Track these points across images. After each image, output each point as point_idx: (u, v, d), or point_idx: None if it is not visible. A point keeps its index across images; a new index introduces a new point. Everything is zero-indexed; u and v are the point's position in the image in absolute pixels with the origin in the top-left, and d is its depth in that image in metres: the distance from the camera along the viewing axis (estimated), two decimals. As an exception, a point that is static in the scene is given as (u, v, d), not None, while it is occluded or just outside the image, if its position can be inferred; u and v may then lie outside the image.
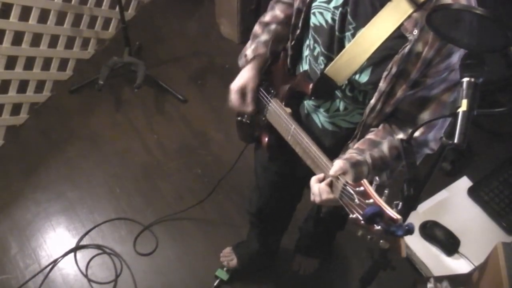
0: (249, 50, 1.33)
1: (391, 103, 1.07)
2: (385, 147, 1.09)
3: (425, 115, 1.07)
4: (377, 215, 0.83)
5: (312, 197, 1.05)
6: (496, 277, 1.41)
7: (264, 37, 1.31)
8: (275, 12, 1.31)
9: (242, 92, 1.31)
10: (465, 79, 1.02)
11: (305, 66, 1.24)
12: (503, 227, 2.10)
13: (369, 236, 0.87)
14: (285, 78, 1.30)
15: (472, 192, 2.22)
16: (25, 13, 2.40)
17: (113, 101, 2.72)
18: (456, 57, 0.97)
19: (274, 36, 1.31)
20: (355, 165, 1.04)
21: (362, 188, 0.89)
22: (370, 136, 1.12)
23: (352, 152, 1.09)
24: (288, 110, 1.27)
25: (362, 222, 0.86)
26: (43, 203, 2.32)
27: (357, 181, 0.92)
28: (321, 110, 1.24)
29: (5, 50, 2.38)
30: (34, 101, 2.67)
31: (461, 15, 0.85)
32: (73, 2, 2.63)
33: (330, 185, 1.02)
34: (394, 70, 1.00)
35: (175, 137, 2.57)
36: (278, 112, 1.29)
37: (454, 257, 2.04)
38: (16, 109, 2.57)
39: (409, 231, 0.82)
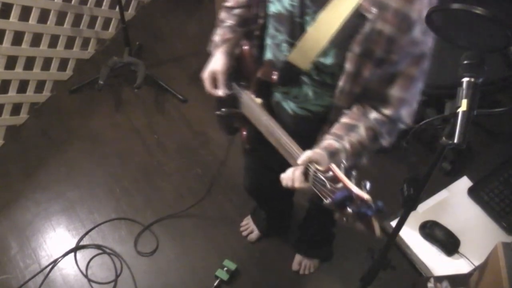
0: (217, 36, 1.35)
1: (359, 83, 1.07)
2: (362, 130, 1.10)
3: (394, 91, 1.07)
4: (347, 198, 0.84)
5: (284, 182, 1.05)
6: (496, 277, 1.41)
7: (230, 21, 1.33)
8: None
9: (213, 76, 1.33)
10: (465, 79, 1.02)
11: (269, 55, 1.25)
12: (503, 227, 2.10)
13: (344, 219, 0.88)
14: (253, 69, 1.31)
15: (472, 192, 2.21)
16: (25, 13, 2.41)
17: (113, 101, 2.72)
18: (417, 31, 0.98)
19: (239, 19, 1.32)
20: (333, 154, 1.05)
21: (331, 173, 0.90)
22: (345, 119, 1.12)
23: (330, 139, 1.09)
24: (259, 100, 1.29)
25: (334, 207, 0.88)
26: (43, 203, 2.32)
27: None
28: (291, 96, 1.25)
29: (5, 50, 2.38)
30: (34, 101, 2.67)
31: (461, 15, 0.85)
32: (73, 2, 2.64)
33: (305, 174, 1.01)
34: (357, 50, 1.01)
35: (175, 137, 2.57)
36: (250, 103, 1.30)
37: (454, 257, 2.04)
38: (16, 109, 2.57)
39: (379, 210, 0.83)
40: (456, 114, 0.98)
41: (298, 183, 1.02)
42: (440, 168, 2.33)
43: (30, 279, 2.09)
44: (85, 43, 2.85)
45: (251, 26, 1.32)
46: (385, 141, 1.14)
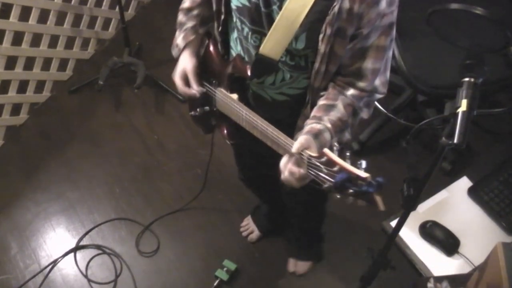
0: (179, 39, 1.34)
1: (334, 62, 1.09)
2: (340, 107, 1.12)
3: (368, 64, 1.09)
4: (346, 180, 0.85)
5: (285, 181, 1.05)
6: (496, 277, 1.41)
7: (190, 23, 1.32)
8: None
9: (184, 77, 1.33)
10: (465, 79, 1.02)
11: (237, 49, 1.25)
12: (503, 227, 2.10)
13: (347, 200, 0.89)
14: (221, 66, 1.31)
15: (472, 192, 2.21)
16: (25, 13, 2.41)
17: (113, 101, 2.72)
18: (383, 3, 1.00)
19: (199, 20, 1.33)
20: (317, 135, 1.06)
21: (325, 158, 0.91)
22: (322, 101, 1.14)
23: (311, 123, 1.10)
24: (235, 96, 1.28)
25: (335, 191, 0.89)
26: (43, 203, 2.32)
27: (322, 149, 0.94)
28: (266, 84, 1.26)
29: (5, 50, 2.38)
30: (34, 101, 2.67)
31: (461, 15, 0.85)
32: (73, 2, 2.64)
33: (298, 163, 1.02)
34: (329, 31, 1.03)
35: (175, 137, 2.57)
36: (226, 100, 1.30)
37: (454, 257, 2.04)
38: (16, 109, 2.57)
39: (380, 185, 0.84)
40: (456, 114, 0.98)
41: (297, 175, 1.01)
42: (440, 168, 2.33)
43: (30, 279, 2.09)
44: (85, 43, 2.85)
45: (212, 23, 1.32)
46: (364, 114, 1.17)
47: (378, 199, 0.86)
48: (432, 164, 1.09)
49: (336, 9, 0.99)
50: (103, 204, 2.33)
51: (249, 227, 2.20)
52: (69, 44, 2.74)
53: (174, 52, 1.37)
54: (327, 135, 1.08)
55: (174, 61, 1.37)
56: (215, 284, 2.05)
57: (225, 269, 2.06)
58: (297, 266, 2.10)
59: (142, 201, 2.33)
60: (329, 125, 1.09)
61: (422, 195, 1.17)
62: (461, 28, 1.86)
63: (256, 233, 2.18)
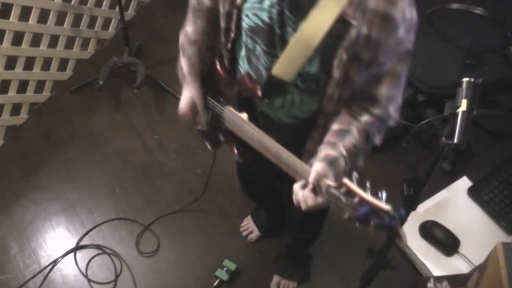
0: (183, 65, 1.32)
1: (348, 88, 1.07)
2: (354, 132, 1.10)
3: (382, 90, 1.07)
4: (369, 214, 0.84)
5: (297, 204, 1.04)
6: (496, 277, 1.41)
7: (194, 49, 1.30)
8: (198, 23, 1.29)
9: (192, 107, 1.32)
10: (465, 79, 1.02)
11: (245, 67, 1.22)
12: (503, 227, 2.10)
13: (367, 230, 0.88)
14: (228, 83, 1.28)
15: (472, 192, 2.22)
16: (25, 13, 2.40)
17: (113, 101, 2.72)
18: (401, 30, 0.98)
19: (203, 46, 1.30)
20: (333, 163, 1.05)
21: (345, 188, 0.89)
22: (336, 126, 1.12)
23: (325, 149, 1.08)
24: (244, 115, 1.24)
25: (357, 222, 0.88)
26: (43, 203, 2.32)
27: (338, 177, 0.93)
28: (276, 106, 1.23)
29: (5, 50, 2.38)
30: (34, 101, 2.67)
31: (460, 15, 0.85)
32: (73, 2, 2.63)
33: (314, 190, 1.01)
34: (344, 56, 1.01)
35: (175, 137, 2.57)
36: (235, 119, 1.27)
37: (454, 257, 2.04)
38: (16, 109, 2.57)
39: (402, 218, 0.84)
40: (456, 114, 0.98)
41: (311, 201, 1.01)
42: (440, 168, 2.33)
43: (30, 279, 2.09)
44: (85, 43, 2.85)
45: (215, 48, 1.30)
46: (377, 139, 1.15)
47: (401, 231, 0.85)
48: (432, 164, 1.08)
49: (353, 34, 0.97)
50: (103, 204, 2.33)
51: (249, 227, 2.20)
52: (69, 44, 2.74)
53: (180, 75, 1.35)
54: (342, 162, 1.06)
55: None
56: (215, 284, 2.05)
57: (225, 269, 2.06)
58: (280, 285, 2.06)
59: (142, 201, 2.33)
60: (344, 152, 1.07)
61: (422, 195, 1.17)
62: (461, 28, 1.86)
63: (256, 233, 2.18)
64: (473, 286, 1.61)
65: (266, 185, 1.86)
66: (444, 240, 2.05)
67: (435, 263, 2.03)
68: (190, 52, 1.31)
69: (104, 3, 2.83)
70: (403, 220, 0.83)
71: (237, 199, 2.31)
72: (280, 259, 2.09)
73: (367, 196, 0.86)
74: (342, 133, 1.10)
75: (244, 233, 2.20)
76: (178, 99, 1.41)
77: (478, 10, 0.87)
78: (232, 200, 2.32)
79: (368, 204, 0.85)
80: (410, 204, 1.18)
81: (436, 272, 2.00)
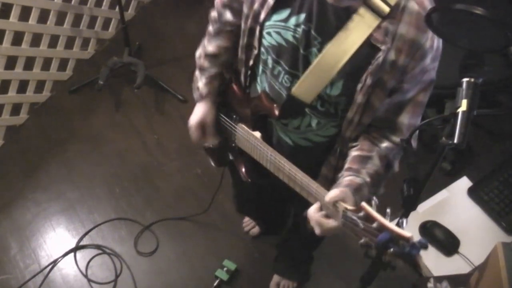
0: (200, 84, 1.29)
1: (369, 114, 1.06)
2: (376, 160, 1.08)
3: (404, 118, 1.06)
4: (389, 241, 0.81)
5: (311, 229, 1.01)
6: (496, 277, 1.41)
7: (214, 69, 1.28)
8: (219, 42, 1.26)
9: (202, 127, 1.30)
10: (465, 79, 1.02)
11: (263, 85, 1.20)
12: (503, 227, 2.10)
13: (383, 258, 0.85)
14: (244, 101, 1.25)
15: (472, 192, 2.21)
16: (25, 13, 2.40)
17: (113, 101, 2.72)
18: (428, 59, 0.97)
19: (224, 67, 1.28)
20: (357, 190, 1.02)
21: (363, 213, 0.86)
22: (356, 153, 1.09)
23: (349, 175, 1.05)
24: (258, 134, 1.21)
25: (374, 249, 0.85)
26: (43, 203, 2.32)
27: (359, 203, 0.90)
28: (291, 128, 1.20)
29: (5, 50, 2.38)
30: (34, 101, 2.67)
31: (460, 15, 0.84)
32: (73, 2, 2.64)
33: (329, 215, 0.97)
34: (369, 81, 0.99)
35: (175, 137, 2.56)
36: (247, 138, 1.24)
37: (454, 257, 2.04)
38: (16, 109, 2.57)
39: (424, 246, 0.80)
40: (456, 114, 0.98)
41: (326, 225, 0.97)
42: (440, 168, 2.33)
43: (30, 279, 2.09)
44: (85, 43, 2.85)
45: (232, 68, 1.27)
46: (396, 166, 1.13)
47: (421, 261, 0.82)
48: (432, 164, 1.08)
49: (380, 59, 0.95)
50: (103, 204, 2.33)
51: (251, 222, 2.21)
52: (69, 44, 2.74)
53: (195, 95, 1.32)
54: (365, 190, 1.04)
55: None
56: (215, 284, 2.05)
57: (225, 269, 2.06)
58: (280, 285, 2.05)
59: (142, 201, 2.33)
60: (368, 179, 1.05)
61: (422, 195, 1.17)
62: (461, 28, 1.87)
63: (257, 228, 2.19)
64: (473, 286, 1.61)
65: (264, 208, 1.82)
66: (444, 240, 2.05)
67: (435, 263, 2.02)
68: (212, 71, 1.28)
69: (104, 3, 2.83)
70: (425, 248, 0.80)
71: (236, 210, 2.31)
72: (280, 259, 2.08)
73: (386, 221, 0.82)
74: (364, 159, 1.07)
75: (246, 228, 2.21)
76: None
77: (478, 10, 0.86)
78: (232, 200, 2.31)
79: (388, 230, 0.81)
80: (410, 204, 1.18)
81: (436, 272, 1.99)
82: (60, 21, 2.61)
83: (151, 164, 2.47)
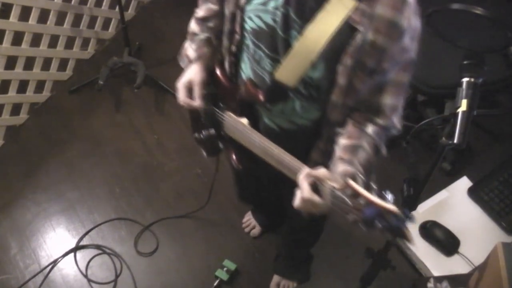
0: (190, 50, 1.30)
1: (352, 95, 1.07)
2: (366, 147, 1.08)
3: (386, 99, 1.07)
4: (375, 215, 0.83)
5: (298, 208, 1.00)
6: (496, 277, 1.41)
7: (204, 35, 1.28)
8: (209, 5, 1.27)
9: (189, 87, 1.29)
10: (465, 79, 1.02)
11: (246, 72, 1.21)
12: (503, 227, 2.10)
13: (373, 232, 0.87)
14: (230, 88, 1.26)
15: (472, 192, 2.22)
16: (25, 13, 2.40)
17: (113, 101, 2.72)
18: (406, 38, 0.98)
19: (214, 31, 1.28)
20: (353, 180, 1.01)
21: (350, 190, 0.88)
22: (346, 141, 1.10)
23: (342, 165, 1.06)
24: (245, 121, 1.23)
25: (363, 225, 0.86)
26: (43, 203, 2.32)
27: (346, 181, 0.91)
28: (276, 112, 1.21)
29: (5, 50, 2.38)
30: (34, 101, 2.67)
31: (461, 15, 0.85)
32: (73, 2, 2.64)
33: (317, 191, 0.98)
34: (349, 62, 1.00)
35: (175, 137, 2.57)
36: (235, 125, 1.25)
37: (454, 257, 2.04)
38: (16, 109, 2.57)
39: (409, 218, 0.82)
40: (456, 114, 0.98)
41: (312, 203, 0.97)
42: (440, 168, 2.33)
43: (30, 279, 2.09)
44: (85, 43, 2.85)
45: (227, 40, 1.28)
46: (383, 150, 1.13)
47: (409, 233, 0.83)
48: (432, 164, 1.08)
49: (359, 40, 0.97)
50: (103, 204, 2.33)
51: (251, 222, 2.21)
52: (69, 44, 2.74)
53: (183, 63, 1.32)
54: (359, 180, 1.04)
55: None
56: (215, 284, 2.05)
57: (225, 269, 2.06)
58: (281, 285, 2.05)
59: (142, 201, 2.33)
60: (361, 169, 1.05)
61: (422, 195, 1.17)
62: (461, 28, 1.87)
63: (258, 228, 2.19)
64: (473, 286, 1.61)
65: (264, 193, 1.84)
66: (444, 240, 2.05)
67: (435, 263, 2.03)
68: (202, 36, 1.28)
69: (104, 3, 2.83)
70: (411, 220, 0.82)
71: (237, 199, 2.31)
72: (280, 259, 2.09)
73: (373, 197, 0.84)
74: (355, 148, 1.08)
75: (246, 229, 2.21)
76: (178, 99, 1.41)
77: (478, 10, 0.87)
78: (232, 200, 2.31)
79: (374, 205, 0.83)
80: (410, 204, 1.18)
81: (436, 272, 1.99)
82: (60, 21, 2.61)
83: (151, 164, 2.47)
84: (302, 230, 1.84)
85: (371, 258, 1.45)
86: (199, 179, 2.40)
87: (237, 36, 1.17)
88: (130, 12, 3.05)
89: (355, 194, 0.87)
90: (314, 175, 0.97)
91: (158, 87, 2.71)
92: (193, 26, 1.31)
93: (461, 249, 2.04)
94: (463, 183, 2.27)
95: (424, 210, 2.16)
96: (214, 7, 1.27)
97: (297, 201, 0.99)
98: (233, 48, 1.20)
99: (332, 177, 0.96)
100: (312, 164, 1.12)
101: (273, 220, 2.16)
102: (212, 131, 1.36)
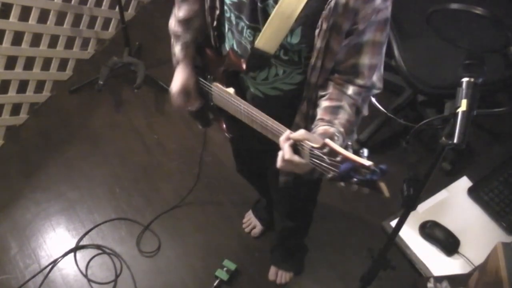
0: (176, 49, 1.33)
1: (330, 58, 1.10)
2: (346, 108, 1.12)
3: (365, 60, 1.10)
4: (351, 170, 0.86)
5: (280, 165, 1.03)
6: (496, 277, 1.41)
7: (188, 36, 1.32)
8: (187, 5, 1.30)
9: (185, 92, 1.33)
10: (465, 79, 1.02)
11: (230, 42, 1.25)
12: (503, 227, 2.10)
13: (351, 188, 0.89)
14: (216, 60, 1.30)
15: (472, 192, 2.22)
16: (25, 13, 2.40)
17: (113, 101, 2.72)
18: None
19: (197, 31, 1.32)
20: (332, 139, 1.04)
21: (327, 148, 0.91)
22: (326, 103, 1.13)
23: (322, 125, 1.10)
24: (231, 90, 1.28)
25: (340, 180, 0.89)
26: (43, 203, 2.32)
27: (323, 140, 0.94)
28: (260, 80, 1.25)
29: (5, 50, 2.38)
30: (34, 101, 2.67)
31: (461, 15, 0.85)
32: (73, 2, 2.63)
33: (300, 152, 1.02)
34: (325, 25, 1.03)
35: (175, 137, 2.57)
36: (222, 95, 1.30)
37: (454, 257, 2.04)
38: (16, 109, 2.57)
39: (383, 172, 0.84)
40: (456, 114, 0.98)
41: (293, 159, 1.00)
42: (440, 168, 2.33)
43: (30, 279, 2.09)
44: (85, 43, 2.85)
45: (206, 31, 1.31)
46: (365, 110, 1.17)
47: (383, 186, 0.86)
48: (432, 164, 1.08)
49: (332, 3, 1.00)
50: (103, 204, 2.33)
51: (251, 222, 2.21)
52: (69, 44, 2.74)
53: (173, 60, 1.36)
54: (340, 139, 1.07)
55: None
56: (215, 284, 2.05)
57: (225, 269, 2.06)
58: (278, 275, 2.09)
59: (142, 201, 2.33)
60: (341, 129, 1.08)
61: (422, 195, 1.17)
62: (461, 28, 1.86)
63: (258, 227, 2.19)
64: (473, 286, 1.61)
65: (261, 168, 1.86)
66: (444, 240, 2.05)
67: (435, 263, 2.03)
68: (187, 37, 1.32)
69: (104, 3, 2.83)
70: (385, 175, 0.84)
71: (237, 199, 2.31)
72: (276, 250, 2.11)
73: (349, 154, 0.87)
74: (335, 109, 1.12)
75: (247, 229, 2.21)
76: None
77: (478, 10, 0.87)
78: (232, 200, 2.32)
79: (350, 160, 0.86)
80: (410, 204, 1.18)
81: (436, 272, 2.00)
82: (60, 21, 2.61)
83: (151, 164, 2.47)
84: (290, 216, 1.85)
85: (371, 258, 1.45)
86: (199, 179, 2.40)
87: (217, 11, 1.21)
88: (130, 12, 3.05)
89: (333, 152, 0.90)
90: (292, 137, 1.00)
91: (158, 87, 2.71)
92: (175, 27, 1.33)
93: (461, 249, 2.04)
94: (463, 183, 2.27)
95: (424, 210, 2.16)
96: (193, 6, 1.29)
97: (279, 162, 1.03)
98: (214, 23, 1.25)
99: (311, 137, 0.99)
100: (295, 128, 1.16)
101: (272, 213, 2.16)
102: (202, 103, 1.41)
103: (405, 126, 2.45)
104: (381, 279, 1.52)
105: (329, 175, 0.92)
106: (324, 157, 0.92)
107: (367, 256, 1.46)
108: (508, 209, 2.13)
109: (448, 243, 2.05)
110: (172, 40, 1.36)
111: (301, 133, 1.00)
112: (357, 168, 0.86)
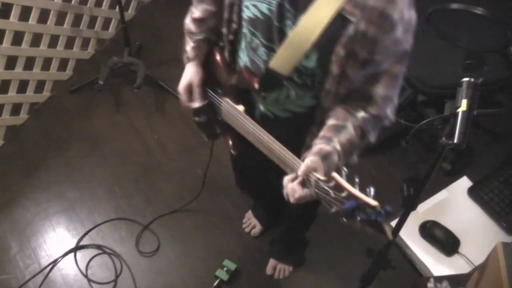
0: (188, 47, 1.34)
1: (345, 84, 1.08)
2: (350, 128, 1.10)
3: (379, 89, 1.08)
4: (355, 208, 0.85)
5: (286, 196, 1.06)
6: (496, 277, 1.41)
7: (202, 35, 1.31)
8: (204, 5, 1.30)
9: (189, 89, 1.34)
10: (465, 79, 1.02)
11: (244, 59, 1.24)
12: (503, 227, 2.10)
13: (354, 225, 0.89)
14: (228, 75, 1.29)
15: (472, 192, 2.22)
16: (25, 13, 2.40)
17: (113, 101, 2.72)
18: (399, 30, 0.98)
19: (211, 32, 1.31)
20: (326, 157, 1.05)
21: (334, 182, 0.91)
22: (332, 122, 1.12)
23: (320, 143, 1.09)
24: (241, 107, 1.26)
25: (343, 217, 0.89)
26: (43, 203, 2.32)
27: (329, 171, 0.94)
28: (271, 100, 1.24)
29: (5, 50, 2.38)
30: (34, 101, 2.67)
31: (461, 15, 0.85)
32: (73, 2, 2.64)
33: (303, 183, 1.02)
34: (342, 52, 1.02)
35: (175, 137, 2.57)
36: (231, 111, 1.29)
37: (454, 257, 2.04)
38: (16, 109, 2.57)
39: (388, 214, 0.84)
40: (456, 114, 0.98)
41: (298, 193, 1.02)
42: (440, 168, 2.33)
43: (30, 279, 2.09)
44: (85, 43, 2.85)
45: (220, 34, 1.30)
46: (372, 137, 1.15)
47: (387, 228, 0.85)
48: (432, 164, 1.08)
49: (351, 31, 0.98)
50: (103, 204, 2.33)
51: (251, 222, 2.21)
52: (69, 44, 2.74)
53: (184, 58, 1.37)
54: (335, 158, 1.06)
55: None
56: (215, 284, 2.05)
57: (225, 269, 2.06)
58: (277, 268, 2.09)
59: (142, 201, 2.33)
60: (338, 147, 1.07)
61: (422, 195, 1.17)
62: (461, 28, 1.86)
63: (258, 227, 2.19)
64: (473, 286, 1.61)
65: (261, 179, 1.86)
66: (444, 240, 2.05)
67: (435, 263, 2.03)
68: (200, 36, 1.32)
69: (104, 3, 2.83)
70: (390, 217, 0.84)
71: (237, 198, 2.31)
72: (275, 243, 2.11)
73: (355, 191, 0.86)
74: (338, 128, 1.11)
75: (247, 229, 2.21)
76: (178, 99, 1.43)
77: (478, 10, 0.87)
78: (232, 200, 2.32)
79: (355, 198, 0.85)
80: (410, 204, 1.18)
81: (436, 272, 2.00)
82: (60, 21, 2.61)
83: (151, 164, 2.47)
84: (297, 217, 1.87)
85: (371, 258, 1.45)
86: (199, 179, 2.39)
87: (234, 25, 1.20)
88: (130, 12, 3.05)
89: (339, 187, 0.90)
90: (300, 175, 1.01)
91: (158, 87, 2.71)
92: (190, 25, 1.33)
93: (461, 249, 2.04)
94: (463, 183, 2.27)
95: (424, 210, 2.16)
96: (210, 8, 1.29)
97: (291, 199, 1.04)
98: (230, 36, 1.23)
99: (315, 166, 1.00)
100: (306, 149, 1.15)
101: (271, 215, 2.16)
102: (210, 116, 1.40)
103: (405, 126, 2.45)
104: (381, 279, 1.52)
105: (333, 210, 0.91)
106: (330, 191, 0.91)
107: (367, 256, 1.46)
108: (508, 209, 2.13)
109: (448, 243, 2.05)
110: (186, 39, 1.36)
111: (305, 167, 0.99)
112: (362, 206, 0.85)
